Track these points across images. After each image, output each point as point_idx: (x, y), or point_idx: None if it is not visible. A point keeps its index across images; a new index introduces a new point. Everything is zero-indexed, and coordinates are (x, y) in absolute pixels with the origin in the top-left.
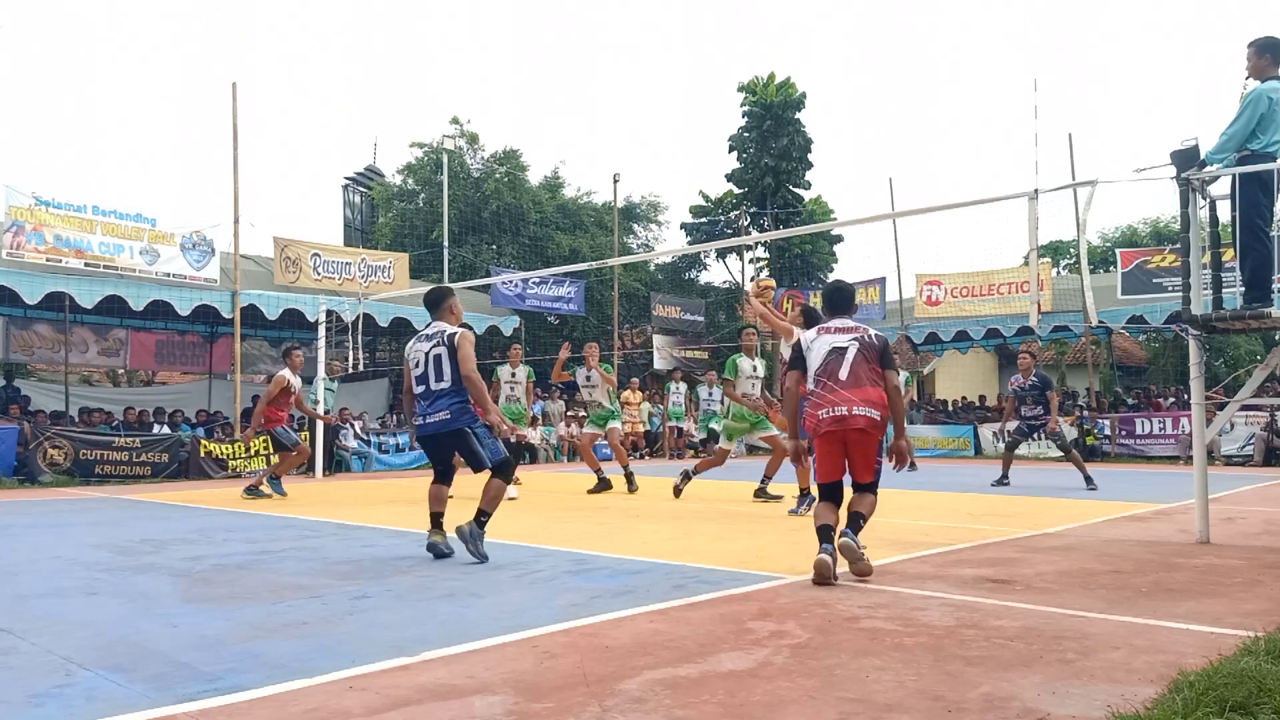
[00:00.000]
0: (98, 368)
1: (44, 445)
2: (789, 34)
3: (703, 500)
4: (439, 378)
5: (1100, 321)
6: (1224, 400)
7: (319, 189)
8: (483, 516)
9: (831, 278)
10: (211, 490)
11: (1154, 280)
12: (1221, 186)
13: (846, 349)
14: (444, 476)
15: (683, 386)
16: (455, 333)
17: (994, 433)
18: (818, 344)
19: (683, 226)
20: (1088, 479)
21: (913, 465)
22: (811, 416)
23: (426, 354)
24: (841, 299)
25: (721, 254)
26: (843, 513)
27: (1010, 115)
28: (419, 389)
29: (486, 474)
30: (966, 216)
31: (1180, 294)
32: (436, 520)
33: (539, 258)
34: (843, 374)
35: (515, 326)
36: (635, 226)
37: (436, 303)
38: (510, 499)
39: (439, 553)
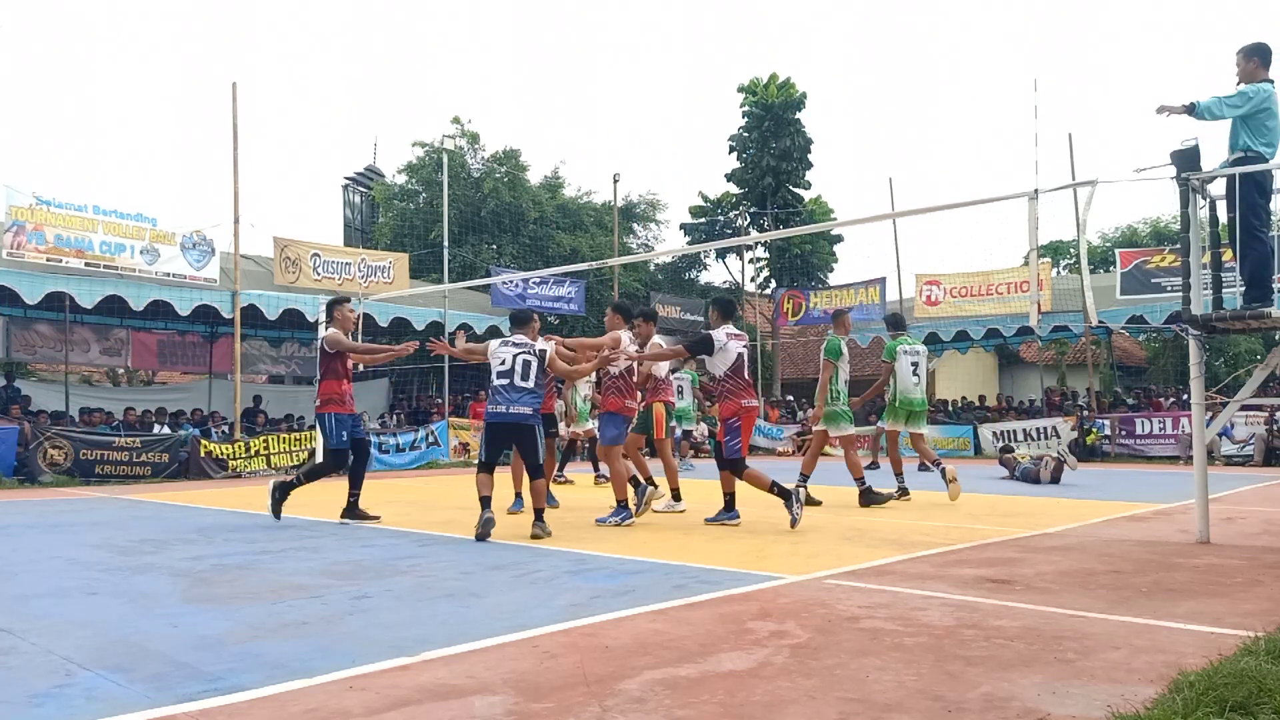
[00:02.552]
0: (99, 367)
1: (44, 445)
2: (789, 34)
3: (703, 501)
4: (524, 377)
5: (1100, 321)
6: (1224, 400)
7: (319, 189)
8: (540, 513)
9: (832, 278)
10: (211, 490)
11: (1153, 280)
12: (1219, 186)
13: (744, 353)
14: (491, 467)
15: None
16: (546, 349)
17: (994, 433)
18: (731, 345)
19: (682, 227)
20: None
21: (924, 467)
22: (735, 403)
23: (514, 356)
24: (734, 309)
25: (721, 254)
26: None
27: (1010, 115)
28: (502, 382)
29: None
30: (966, 216)
31: (1180, 294)
32: (486, 503)
33: (539, 257)
34: (745, 373)
35: None
36: (635, 226)
37: (524, 322)
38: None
39: (490, 527)
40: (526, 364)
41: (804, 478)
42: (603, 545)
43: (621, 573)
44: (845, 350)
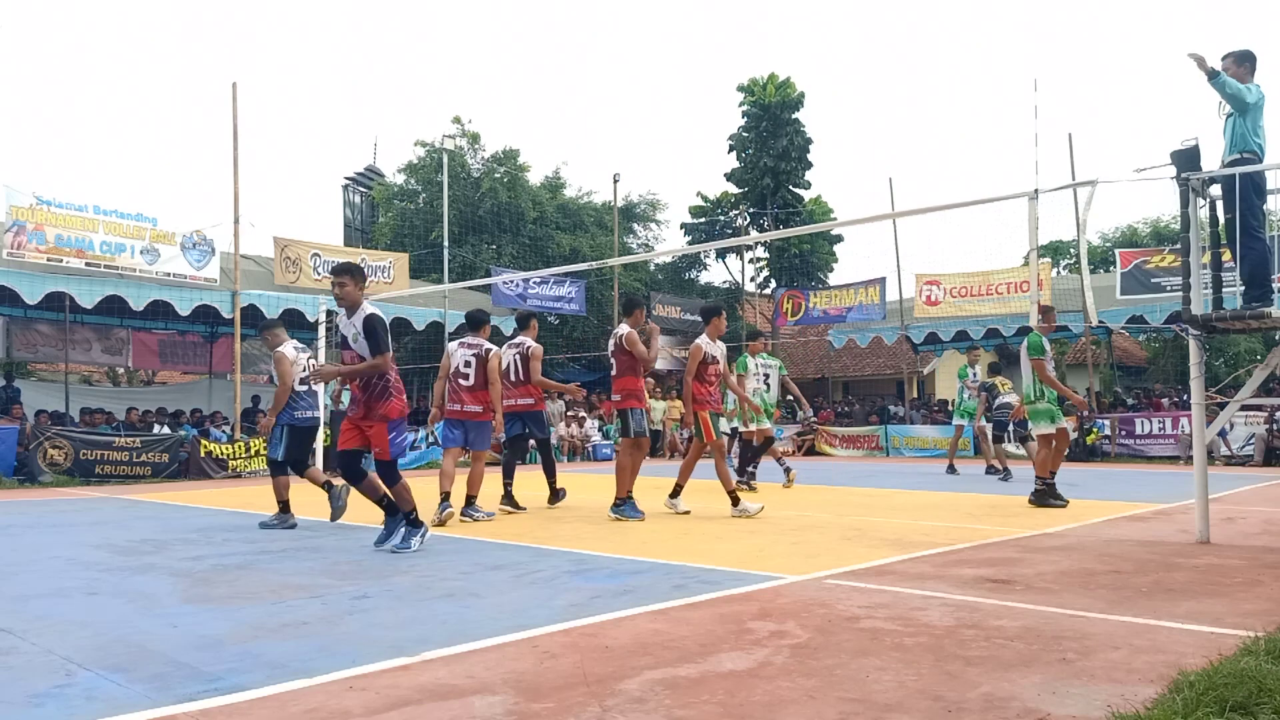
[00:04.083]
0: (100, 366)
1: (44, 445)
2: (789, 34)
3: (703, 500)
4: (316, 382)
5: (1100, 321)
6: (1224, 400)
7: (319, 189)
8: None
9: (832, 278)
10: (211, 490)
11: (1152, 280)
12: (1217, 186)
13: None
14: (287, 468)
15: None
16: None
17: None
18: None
19: (682, 226)
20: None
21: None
22: (403, 401)
23: (309, 361)
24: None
25: (721, 254)
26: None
27: (1010, 115)
28: (304, 388)
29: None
30: (966, 216)
31: (1180, 294)
32: (286, 505)
33: (539, 257)
34: None
35: (515, 327)
36: (635, 226)
37: (273, 326)
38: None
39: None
40: (312, 368)
41: (1048, 477)
42: (603, 545)
43: (621, 573)
44: (1049, 346)
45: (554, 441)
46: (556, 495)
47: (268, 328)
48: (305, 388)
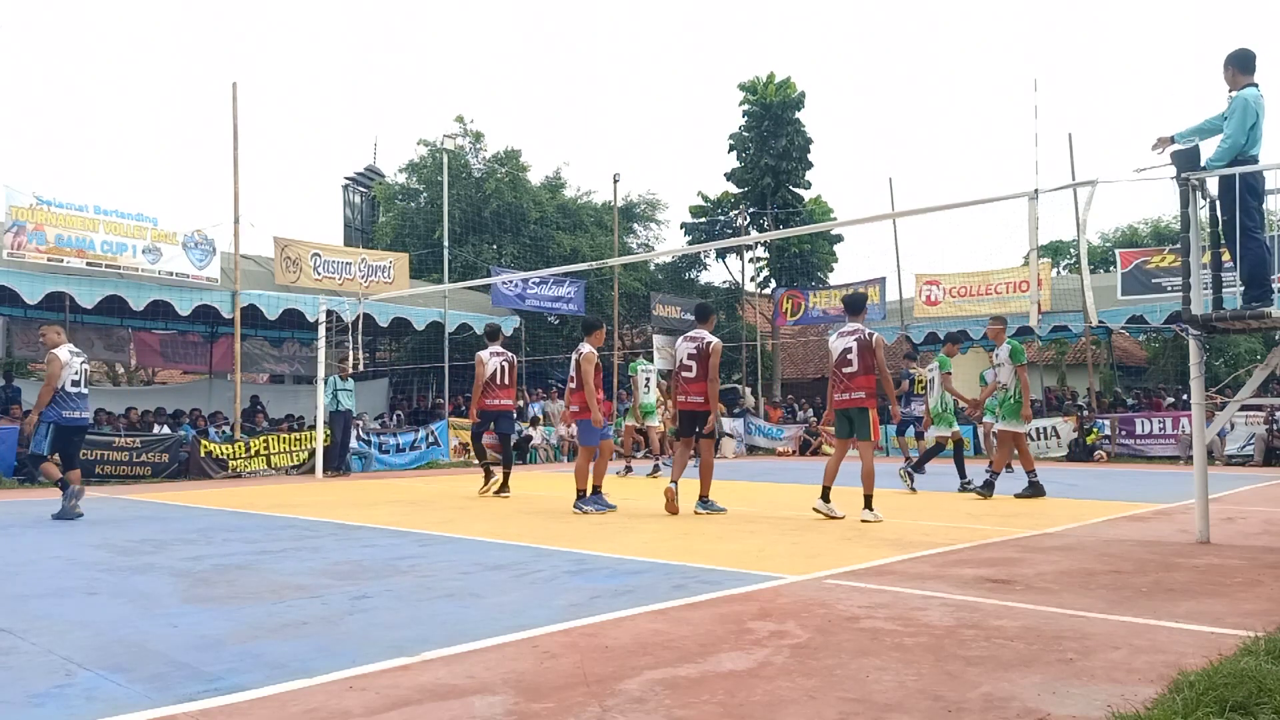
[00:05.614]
0: (104, 361)
1: None
2: (789, 34)
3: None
4: (87, 384)
5: (1100, 321)
6: (1224, 400)
7: (319, 189)
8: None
9: (832, 278)
10: (211, 490)
11: (1153, 280)
12: (1214, 187)
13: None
14: (75, 463)
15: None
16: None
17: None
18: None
19: (682, 226)
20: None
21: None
22: None
23: (82, 365)
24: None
25: (721, 254)
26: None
27: (1010, 115)
28: (76, 389)
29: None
30: (966, 216)
31: (1180, 294)
32: (64, 484)
33: (539, 257)
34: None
35: (515, 326)
36: (635, 226)
37: (49, 324)
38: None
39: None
40: (86, 372)
41: (1033, 473)
42: (603, 545)
43: (621, 573)
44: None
45: (554, 441)
46: (506, 487)
47: (48, 324)
48: (77, 389)
